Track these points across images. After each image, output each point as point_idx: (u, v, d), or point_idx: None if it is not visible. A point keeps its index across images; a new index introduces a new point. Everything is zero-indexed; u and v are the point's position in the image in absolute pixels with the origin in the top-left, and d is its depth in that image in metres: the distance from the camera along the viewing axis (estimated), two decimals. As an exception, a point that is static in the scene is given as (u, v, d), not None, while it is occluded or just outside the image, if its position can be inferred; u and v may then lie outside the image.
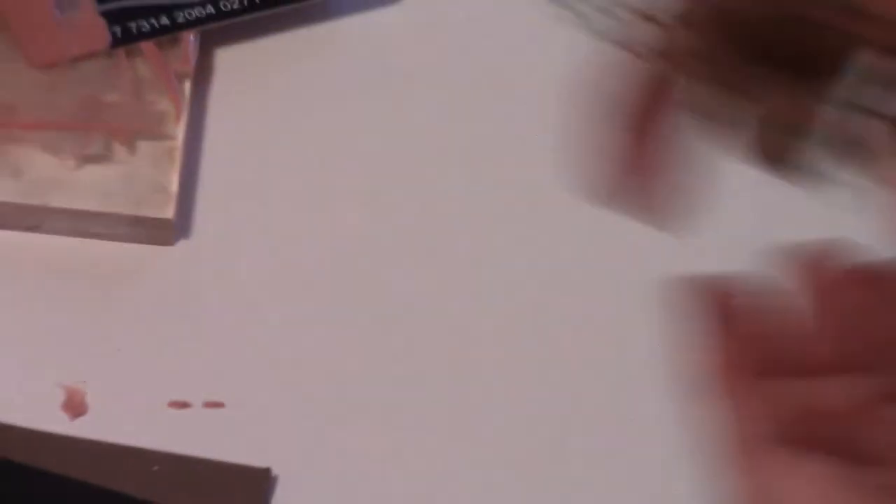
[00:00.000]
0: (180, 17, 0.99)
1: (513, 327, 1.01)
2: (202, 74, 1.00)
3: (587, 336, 1.02)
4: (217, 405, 0.89)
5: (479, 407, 1.00)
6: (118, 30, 0.96)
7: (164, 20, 0.99)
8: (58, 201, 0.92)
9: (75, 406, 0.87)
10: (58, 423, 0.86)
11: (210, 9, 1.00)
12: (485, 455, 0.97)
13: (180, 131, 0.95)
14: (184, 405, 0.88)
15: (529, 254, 1.02)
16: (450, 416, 0.99)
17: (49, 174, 0.93)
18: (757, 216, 1.06)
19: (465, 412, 0.99)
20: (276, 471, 0.89)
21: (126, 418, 0.87)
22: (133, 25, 0.97)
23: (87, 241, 0.93)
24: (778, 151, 0.72)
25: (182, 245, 0.94)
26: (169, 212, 0.92)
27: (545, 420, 1.00)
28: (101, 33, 0.96)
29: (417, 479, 0.98)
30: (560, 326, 1.01)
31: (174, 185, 0.93)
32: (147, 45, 0.97)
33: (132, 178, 0.93)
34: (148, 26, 0.98)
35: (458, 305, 1.00)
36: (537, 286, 1.02)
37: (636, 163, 0.70)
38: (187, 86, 0.97)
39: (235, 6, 1.00)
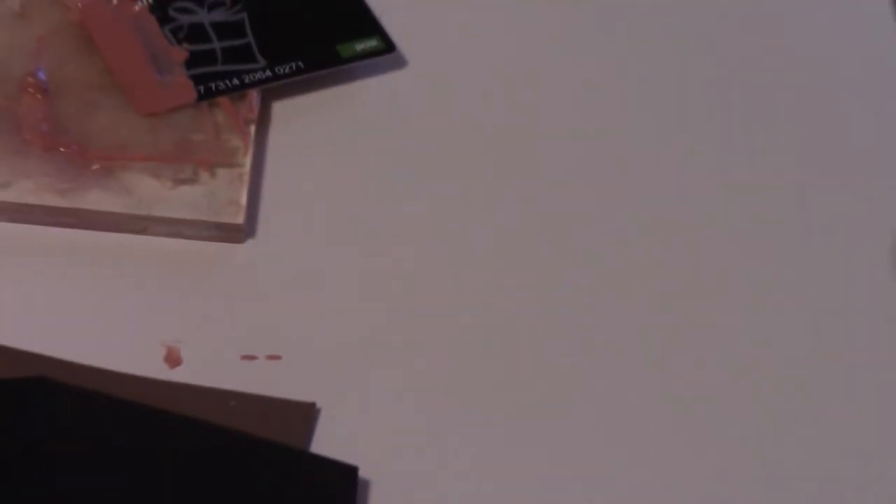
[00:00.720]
0: (247, 79, 1.04)
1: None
2: (263, 120, 1.05)
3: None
4: (276, 357, 0.94)
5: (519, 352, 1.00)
6: (202, 88, 1.03)
7: (235, 81, 1.04)
8: (159, 212, 0.98)
9: (173, 359, 0.93)
10: (160, 372, 0.92)
11: (269, 73, 1.05)
12: (525, 396, 0.98)
13: (247, 161, 1.01)
14: (252, 357, 0.93)
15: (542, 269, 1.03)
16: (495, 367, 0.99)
17: (152, 193, 0.98)
18: None
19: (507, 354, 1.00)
20: (319, 405, 0.93)
21: (210, 368, 0.93)
22: (213, 85, 1.03)
23: (180, 240, 0.99)
24: None
25: (249, 243, 1.00)
26: (240, 219, 0.98)
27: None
28: (189, 91, 1.02)
29: (450, 415, 0.98)
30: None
31: (244, 199, 0.99)
32: (223, 100, 1.03)
33: (213, 195, 0.99)
34: (223, 86, 1.03)
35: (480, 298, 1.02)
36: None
37: None
38: (252, 129, 1.03)
39: (286, 71, 1.05)
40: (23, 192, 0.97)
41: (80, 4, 1.06)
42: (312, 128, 1.07)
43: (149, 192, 0.98)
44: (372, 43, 1.08)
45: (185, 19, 1.07)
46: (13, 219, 0.98)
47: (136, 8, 1.06)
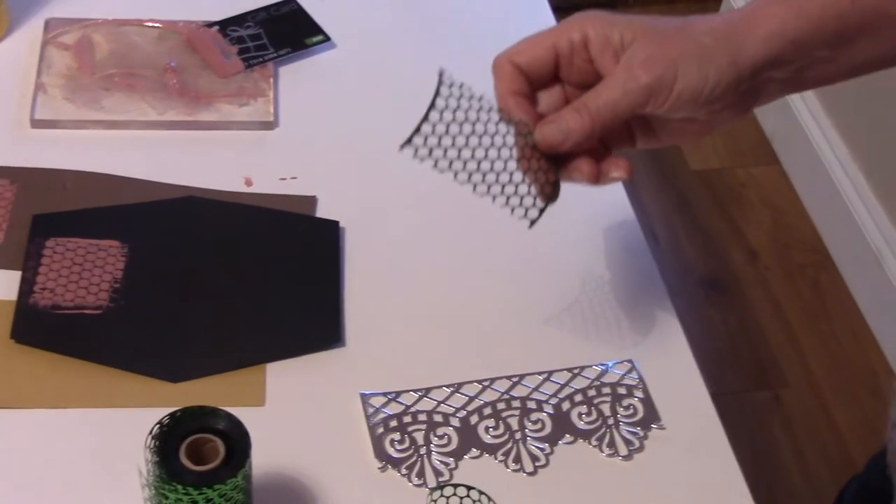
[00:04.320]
0: (266, 57, 1.07)
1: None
2: (275, 75, 1.07)
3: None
4: (294, 178, 0.98)
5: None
6: (246, 63, 1.07)
7: (260, 59, 1.07)
8: (235, 118, 1.03)
9: (248, 182, 0.98)
10: (243, 189, 0.97)
11: (275, 54, 1.08)
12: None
13: (271, 94, 1.05)
14: (284, 178, 0.98)
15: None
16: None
17: (230, 111, 1.03)
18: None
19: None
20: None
21: (265, 185, 0.98)
22: (250, 61, 1.07)
23: (244, 131, 1.03)
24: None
25: (277, 129, 1.03)
26: (271, 118, 1.04)
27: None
28: (240, 65, 1.07)
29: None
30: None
31: (272, 110, 1.04)
32: (257, 68, 1.07)
33: (257, 110, 1.04)
34: (255, 61, 1.07)
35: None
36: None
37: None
38: (271, 80, 1.06)
39: (283, 52, 1.08)
40: (171, 115, 1.03)
41: (186, 31, 1.10)
42: (296, 77, 1.10)
43: (229, 110, 1.05)
44: (319, 37, 1.12)
45: (234, 33, 1.11)
46: (167, 127, 1.02)
47: (212, 30, 1.10)
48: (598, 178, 0.74)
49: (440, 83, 0.71)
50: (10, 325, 0.87)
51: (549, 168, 0.73)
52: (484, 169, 0.72)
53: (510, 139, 0.73)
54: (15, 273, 0.91)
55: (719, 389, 1.90)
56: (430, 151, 0.71)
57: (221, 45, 1.11)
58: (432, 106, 0.70)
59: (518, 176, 0.73)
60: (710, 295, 2.09)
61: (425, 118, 0.70)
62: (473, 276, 0.95)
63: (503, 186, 0.73)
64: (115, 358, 0.86)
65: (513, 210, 0.73)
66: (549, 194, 0.74)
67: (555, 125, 0.72)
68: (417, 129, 0.70)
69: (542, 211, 0.74)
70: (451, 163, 0.71)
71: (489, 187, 0.73)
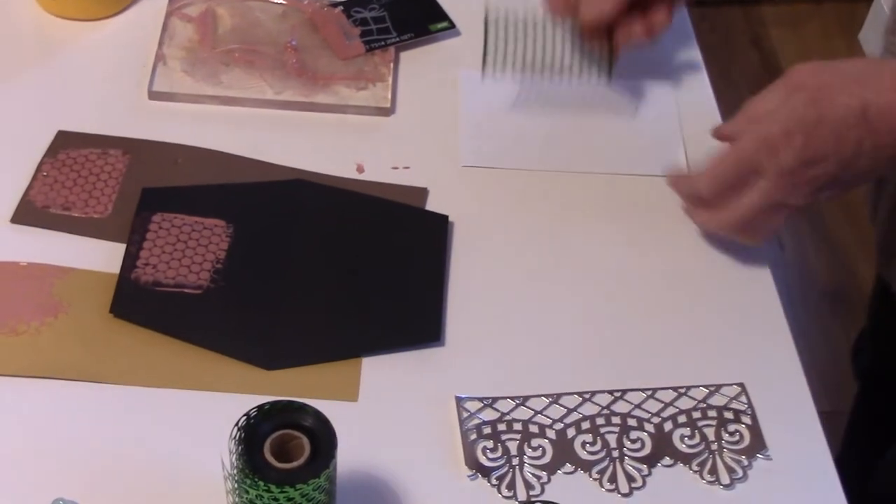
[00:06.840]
0: (388, 42, 1.07)
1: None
2: (396, 60, 1.06)
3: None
4: (407, 167, 0.97)
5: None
6: (367, 46, 1.06)
7: (382, 42, 1.07)
8: (352, 102, 1.02)
9: (360, 169, 0.97)
10: (354, 175, 0.96)
11: (398, 38, 1.07)
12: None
13: (390, 79, 1.04)
14: (395, 167, 0.97)
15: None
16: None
17: (348, 94, 1.02)
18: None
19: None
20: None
21: (377, 172, 0.97)
22: (372, 44, 1.06)
23: (362, 116, 1.01)
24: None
25: (393, 116, 1.02)
26: (388, 104, 1.02)
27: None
28: (361, 48, 1.06)
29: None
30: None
31: (389, 95, 1.03)
32: (377, 51, 1.06)
33: (375, 94, 1.02)
34: (377, 45, 1.06)
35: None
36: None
37: None
38: (391, 64, 1.05)
39: (406, 38, 1.07)
40: (287, 95, 1.02)
41: (310, 10, 1.10)
42: (418, 63, 1.08)
43: (346, 94, 1.03)
44: (444, 24, 1.11)
45: (358, 15, 1.10)
46: (282, 107, 1.02)
47: (336, 11, 1.10)
48: (650, 32, 0.88)
49: (486, 20, 0.95)
50: (111, 298, 0.87)
51: (603, 46, 0.92)
52: (549, 62, 0.94)
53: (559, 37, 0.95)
54: (120, 246, 0.90)
55: (837, 407, 1.84)
56: (504, 64, 0.95)
57: (344, 26, 1.09)
58: (486, 34, 0.94)
59: (577, 60, 0.94)
60: (833, 308, 2.02)
61: (485, 46, 0.94)
62: (580, 283, 0.92)
63: (570, 68, 0.95)
64: (211, 340, 0.85)
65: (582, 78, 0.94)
66: (609, 70, 0.94)
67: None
68: (484, 55, 0.95)
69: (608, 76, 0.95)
70: (524, 65, 0.95)
71: (561, 71, 0.95)
